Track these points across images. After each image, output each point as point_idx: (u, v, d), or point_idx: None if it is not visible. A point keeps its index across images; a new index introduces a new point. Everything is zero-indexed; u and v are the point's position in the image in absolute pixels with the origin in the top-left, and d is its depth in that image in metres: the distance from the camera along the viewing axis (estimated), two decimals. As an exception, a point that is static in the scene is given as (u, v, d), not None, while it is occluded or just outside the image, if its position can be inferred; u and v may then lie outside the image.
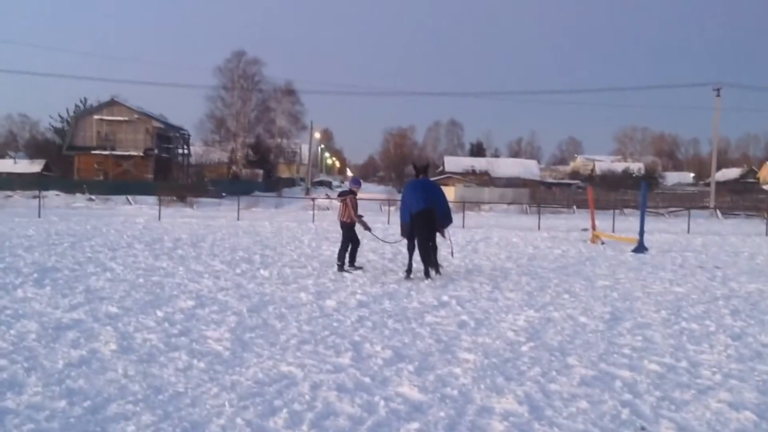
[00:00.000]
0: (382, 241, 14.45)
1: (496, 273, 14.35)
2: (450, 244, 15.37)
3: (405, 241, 13.73)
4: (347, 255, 14.13)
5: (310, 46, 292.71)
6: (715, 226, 39.59)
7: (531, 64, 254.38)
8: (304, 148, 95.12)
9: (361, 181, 15.39)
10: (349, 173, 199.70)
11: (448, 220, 13.58)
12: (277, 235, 22.96)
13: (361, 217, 14.32)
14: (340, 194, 14.66)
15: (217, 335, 8.02)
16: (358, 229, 14.38)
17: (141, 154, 66.42)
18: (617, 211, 43.98)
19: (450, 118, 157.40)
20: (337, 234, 23.58)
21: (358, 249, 14.39)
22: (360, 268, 14.12)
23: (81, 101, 76.06)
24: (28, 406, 5.44)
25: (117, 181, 61.72)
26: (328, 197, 55.86)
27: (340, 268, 13.94)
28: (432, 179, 14.44)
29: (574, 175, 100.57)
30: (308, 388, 6.08)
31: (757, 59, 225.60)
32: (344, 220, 14.20)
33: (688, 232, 31.72)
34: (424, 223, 13.04)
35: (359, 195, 14.73)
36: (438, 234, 13.60)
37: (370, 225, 14.37)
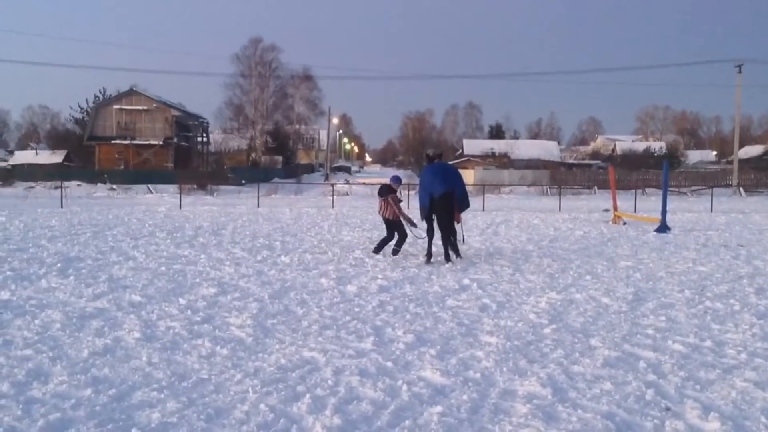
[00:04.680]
0: (416, 237, 14.30)
1: (517, 255, 14.30)
2: (461, 229, 15.28)
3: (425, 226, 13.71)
4: (390, 245, 14.15)
5: (326, 31, 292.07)
6: (738, 204, 39.15)
7: (550, 43, 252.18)
8: (323, 134, 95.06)
9: (402, 177, 15.12)
10: (368, 158, 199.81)
11: (466, 204, 13.56)
12: (297, 222, 23.01)
13: (404, 213, 14.21)
14: (380, 192, 14.35)
15: (240, 322, 8.06)
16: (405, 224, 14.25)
17: (161, 142, 66.69)
18: (639, 191, 43.63)
19: (468, 100, 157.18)
20: (357, 219, 23.69)
21: (404, 241, 14.23)
22: (377, 254, 14.05)
23: (100, 91, 76.57)
24: (54, 395, 5.50)
25: (137, 170, 62.08)
26: (348, 183, 55.93)
27: (395, 253, 13.97)
28: (450, 162, 14.38)
29: (595, 155, 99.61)
30: (331, 373, 6.10)
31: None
32: (387, 216, 14.12)
33: (711, 210, 31.38)
34: (445, 206, 13.02)
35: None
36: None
37: (414, 221, 14.15)
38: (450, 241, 13.17)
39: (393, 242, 14.13)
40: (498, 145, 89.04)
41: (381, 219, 14.65)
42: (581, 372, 6.24)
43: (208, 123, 78.35)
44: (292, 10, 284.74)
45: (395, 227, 14.11)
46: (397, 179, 14.79)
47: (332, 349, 6.89)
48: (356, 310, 8.85)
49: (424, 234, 13.65)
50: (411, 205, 14.55)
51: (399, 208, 14.05)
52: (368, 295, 9.82)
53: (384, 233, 14.59)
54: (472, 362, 6.52)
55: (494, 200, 40.03)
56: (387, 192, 14.12)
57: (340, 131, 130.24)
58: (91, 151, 68.08)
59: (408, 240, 14.22)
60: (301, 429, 4.91)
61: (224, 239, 17.01)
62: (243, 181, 55.68)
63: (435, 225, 13.39)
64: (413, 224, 14.08)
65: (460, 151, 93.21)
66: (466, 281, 11.00)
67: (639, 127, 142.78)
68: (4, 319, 8.05)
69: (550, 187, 52.19)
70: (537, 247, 15.94)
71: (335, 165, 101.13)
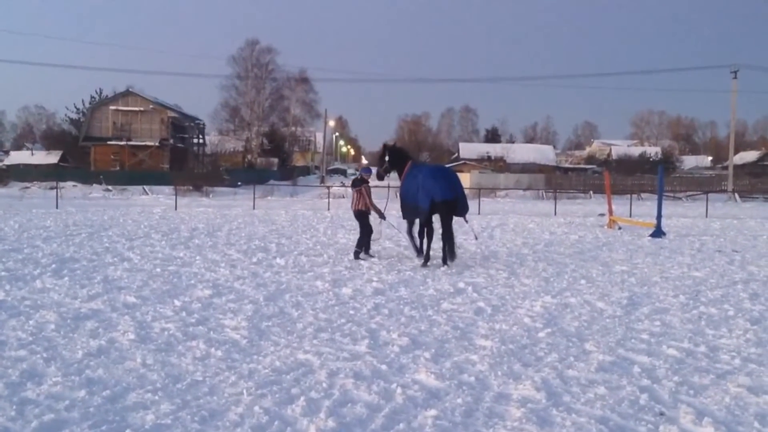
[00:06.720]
0: (379, 226, 14.39)
1: (512, 259, 14.31)
2: (472, 229, 15.34)
3: (417, 228, 13.73)
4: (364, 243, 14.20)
5: (323, 33, 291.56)
6: (733, 209, 39.27)
7: (546, 48, 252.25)
8: (319, 137, 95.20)
9: (372, 169, 15.32)
10: (364, 161, 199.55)
11: (466, 208, 13.63)
12: (292, 224, 23.00)
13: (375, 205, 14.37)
14: (353, 184, 14.71)
15: (234, 324, 8.06)
16: (372, 217, 14.39)
17: (157, 144, 66.59)
18: (634, 196, 43.67)
19: (464, 104, 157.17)
20: (353, 222, 23.65)
21: (371, 237, 14.36)
22: (372, 256, 14.10)
23: (97, 92, 76.45)
24: (48, 396, 5.49)
25: (133, 171, 61.94)
26: (344, 185, 55.92)
27: (356, 255, 14.01)
28: (447, 165, 14.46)
29: (591, 159, 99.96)
30: (325, 376, 6.10)
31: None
32: (359, 208, 14.25)
33: (706, 216, 31.46)
34: (448, 211, 13.09)
35: (371, 183, 14.71)
36: (458, 219, 13.64)
37: (384, 213, 14.33)
38: (451, 241, 13.16)
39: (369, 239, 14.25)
40: (494, 149, 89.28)
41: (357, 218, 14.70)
42: (575, 376, 6.25)
43: (204, 124, 78.37)
44: (289, 12, 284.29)
45: (364, 221, 14.28)
46: (367, 170, 15.13)
47: (327, 352, 6.89)
48: (351, 312, 8.85)
49: (381, 230, 13.72)
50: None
51: (370, 199, 14.29)
52: (363, 298, 9.82)
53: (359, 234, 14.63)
54: (467, 366, 6.52)
55: (490, 204, 40.08)
56: (360, 183, 14.39)
57: (336, 134, 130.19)
58: (87, 151, 67.90)
59: (403, 242, 14.24)
60: (295, 431, 4.91)
61: (219, 241, 17.00)
62: (238, 183, 55.57)
63: (433, 227, 13.40)
64: (383, 216, 14.36)
65: (456, 154, 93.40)
66: (461, 284, 11.00)
67: (634, 132, 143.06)
68: (-2, 320, 8.02)
69: (545, 191, 52.26)
70: (532, 251, 15.96)
71: (331, 167, 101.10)
